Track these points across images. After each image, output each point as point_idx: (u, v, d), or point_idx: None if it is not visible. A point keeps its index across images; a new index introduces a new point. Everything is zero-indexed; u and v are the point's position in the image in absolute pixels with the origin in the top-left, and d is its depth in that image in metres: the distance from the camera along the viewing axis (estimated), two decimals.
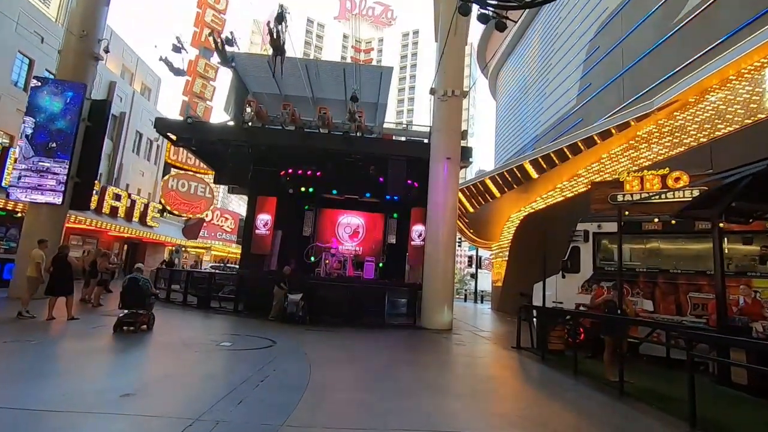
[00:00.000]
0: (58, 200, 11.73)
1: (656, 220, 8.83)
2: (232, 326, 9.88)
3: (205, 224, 38.14)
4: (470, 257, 33.50)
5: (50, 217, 12.03)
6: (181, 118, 15.07)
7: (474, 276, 34.64)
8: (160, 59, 20.90)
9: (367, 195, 19.33)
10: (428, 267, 12.61)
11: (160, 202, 28.53)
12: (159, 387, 4.57)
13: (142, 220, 23.52)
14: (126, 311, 7.76)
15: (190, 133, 14.28)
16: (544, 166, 15.04)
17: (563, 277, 9.76)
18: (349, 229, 21.42)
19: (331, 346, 7.90)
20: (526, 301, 16.70)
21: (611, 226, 9.46)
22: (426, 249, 12.98)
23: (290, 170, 17.26)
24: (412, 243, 17.90)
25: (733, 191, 5.63)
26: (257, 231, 18.45)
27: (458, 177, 13.23)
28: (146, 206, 23.83)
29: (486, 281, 46.61)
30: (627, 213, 8.20)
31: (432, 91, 13.55)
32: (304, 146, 14.54)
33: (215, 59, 26.99)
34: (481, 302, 32.51)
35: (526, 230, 19.14)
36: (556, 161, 14.49)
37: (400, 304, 12.86)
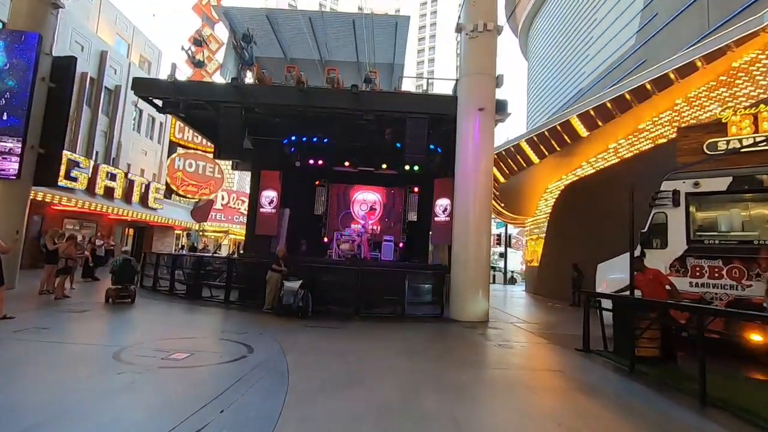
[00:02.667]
0: (13, 173, 9.87)
1: None
2: (210, 323, 7.83)
3: (222, 207, 36.71)
4: (499, 235, 30.83)
5: (8, 194, 10.21)
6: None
7: (503, 255, 32.04)
8: (182, 49, 18.83)
9: (384, 166, 17.09)
10: (457, 246, 10.26)
11: (165, 183, 26.94)
12: None
13: (144, 201, 21.88)
14: (118, 286, 9.24)
15: (173, 94, 12.14)
16: (597, 120, 12.28)
17: (643, 254, 7.21)
18: (365, 206, 19.30)
19: (329, 355, 5.72)
20: (575, 275, 14.29)
21: (715, 183, 6.85)
22: (454, 224, 10.60)
23: (293, 137, 15.06)
24: (436, 219, 15.62)
25: None
26: (261, 209, 16.54)
27: (493, 134, 10.69)
28: (147, 187, 22.14)
29: (515, 261, 44.00)
30: None
31: (459, 28, 10.93)
32: (305, 107, 12.19)
33: (220, 30, 24.80)
34: (512, 284, 30.03)
35: (568, 202, 16.49)
36: (614, 112, 11.71)
37: (423, 291, 10.61)
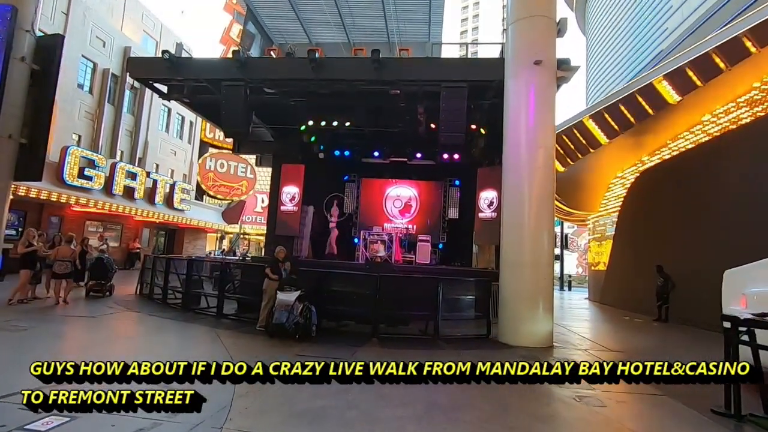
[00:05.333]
0: None
1: None
2: (168, 351, 5.86)
3: (262, 210, 35.85)
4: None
5: None
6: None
7: (557, 257, 28.55)
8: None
9: (419, 156, 14.87)
10: (508, 246, 7.77)
11: (197, 184, 26.19)
12: None
13: (169, 202, 20.92)
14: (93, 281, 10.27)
15: (169, 73, 10.57)
16: (695, 78, 9.30)
17: None
18: (400, 203, 17.12)
19: (298, 423, 3.52)
20: (661, 282, 11.20)
21: None
22: (503, 218, 8.12)
23: (311, 122, 13.13)
24: (480, 215, 13.20)
25: None
26: (282, 207, 14.83)
27: (554, 96, 8.10)
28: (172, 187, 21.18)
29: (570, 264, 39.98)
30: None
31: None
32: (319, 81, 10.17)
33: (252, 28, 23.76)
34: (569, 289, 26.56)
35: (647, 192, 13.37)
36: (721, 65, 8.71)
37: (463, 304, 8.19)
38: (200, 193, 26.58)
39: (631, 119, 11.41)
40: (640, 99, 10.78)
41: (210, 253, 29.73)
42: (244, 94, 10.37)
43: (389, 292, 7.67)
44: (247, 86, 10.39)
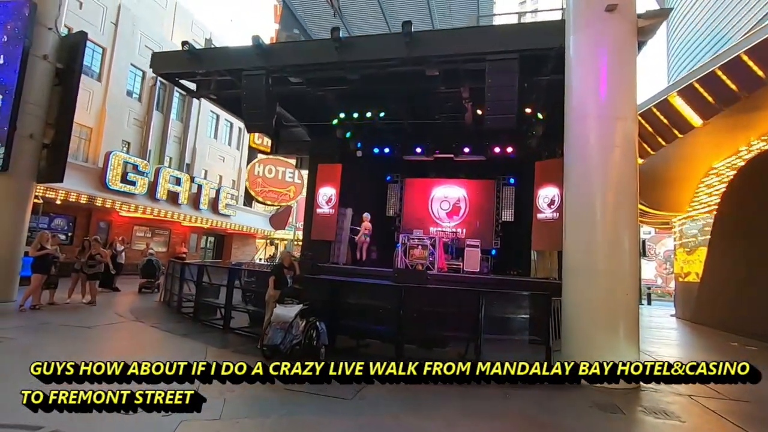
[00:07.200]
0: None
1: None
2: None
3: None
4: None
5: (6, 192, 8.71)
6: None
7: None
8: None
9: (466, 151, 13.30)
10: (574, 251, 5.94)
11: (245, 190, 26.28)
12: None
13: (214, 207, 20.89)
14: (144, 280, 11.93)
15: (190, 66, 9.94)
16: None
17: None
18: (447, 205, 15.59)
19: None
20: None
21: None
22: (567, 211, 6.31)
23: (343, 114, 12.02)
24: (539, 216, 11.32)
25: None
26: (318, 210, 13.88)
27: (635, 53, 6.16)
28: (217, 192, 21.16)
29: (649, 273, 35.75)
30: None
31: None
32: (345, 63, 8.97)
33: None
34: (648, 303, 23.07)
35: (757, 185, 10.65)
36: None
37: (514, 324, 6.42)
38: (248, 199, 26.66)
39: (736, 91, 8.96)
40: (750, 63, 8.36)
41: (260, 259, 29.81)
42: (266, 83, 9.45)
43: (419, 306, 6.17)
44: (269, 75, 9.46)
